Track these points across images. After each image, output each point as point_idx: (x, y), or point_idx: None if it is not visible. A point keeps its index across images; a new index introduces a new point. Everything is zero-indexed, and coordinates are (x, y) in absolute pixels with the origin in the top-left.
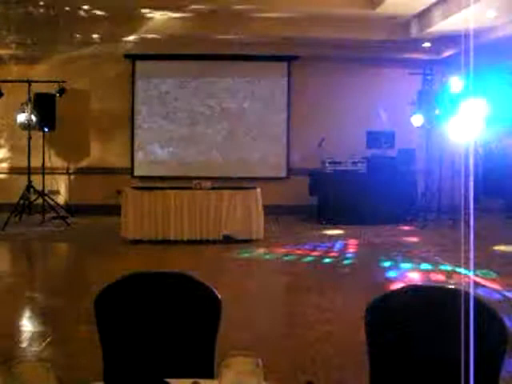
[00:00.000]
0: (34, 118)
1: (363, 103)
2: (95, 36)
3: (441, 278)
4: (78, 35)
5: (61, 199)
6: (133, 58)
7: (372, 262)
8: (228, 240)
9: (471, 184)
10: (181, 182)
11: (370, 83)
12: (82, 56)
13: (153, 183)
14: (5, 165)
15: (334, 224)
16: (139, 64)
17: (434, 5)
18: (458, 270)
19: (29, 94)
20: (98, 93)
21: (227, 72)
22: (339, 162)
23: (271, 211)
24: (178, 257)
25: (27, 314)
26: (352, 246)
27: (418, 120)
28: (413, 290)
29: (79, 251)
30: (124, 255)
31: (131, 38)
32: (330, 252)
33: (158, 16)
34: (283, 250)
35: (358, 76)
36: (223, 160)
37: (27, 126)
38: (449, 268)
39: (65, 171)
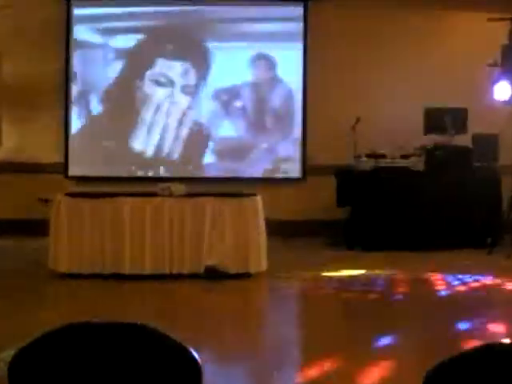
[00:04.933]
0: None
1: (417, 65)
2: None
3: None
4: None
5: None
6: None
7: (432, 310)
8: (213, 275)
9: None
10: (141, 185)
11: (427, 34)
12: None
13: (98, 187)
14: None
15: (374, 249)
16: (77, 5)
17: None
18: None
19: None
20: (12, 52)
21: (212, 17)
22: (382, 156)
23: (279, 230)
24: (137, 300)
25: None
26: (401, 285)
27: (502, 91)
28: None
29: None
30: (52, 297)
31: None
32: (367, 293)
33: None
34: (297, 290)
35: (407, 23)
36: (204, 151)
37: None
38: None
39: None
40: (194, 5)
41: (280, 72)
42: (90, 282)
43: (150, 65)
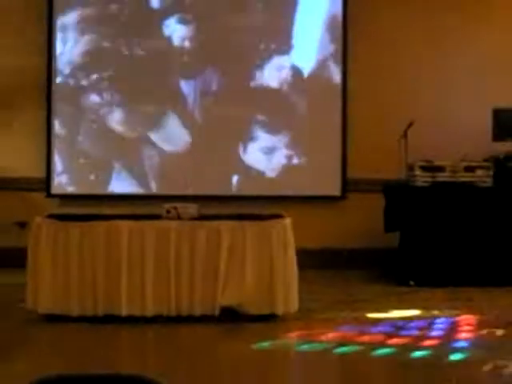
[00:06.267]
0: None
1: (481, 59)
2: None
3: None
4: None
5: None
6: None
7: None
8: (230, 317)
9: None
10: (141, 206)
11: (492, 22)
12: None
13: (87, 208)
14: None
15: (431, 284)
16: None
17: None
18: None
19: None
20: None
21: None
22: (441, 168)
23: (312, 261)
24: (136, 348)
25: None
26: (467, 328)
27: None
28: None
29: None
30: (31, 345)
31: None
32: (424, 339)
33: None
34: (336, 335)
35: (466, 9)
36: (220, 164)
37: None
38: None
39: None
40: None
41: (312, 71)
42: (78, 325)
43: None
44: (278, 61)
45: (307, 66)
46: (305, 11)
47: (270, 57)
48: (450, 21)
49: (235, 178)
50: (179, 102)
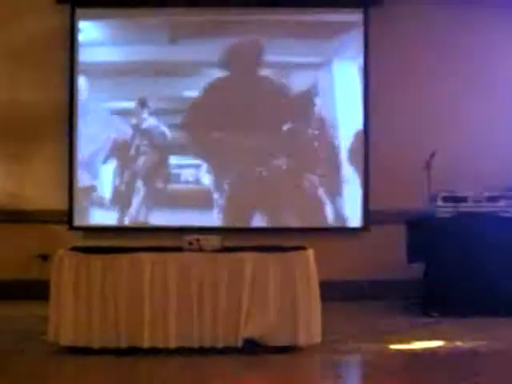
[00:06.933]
0: None
1: (508, 82)
2: None
3: None
4: None
5: None
6: (73, 2)
7: None
8: (253, 349)
9: None
10: (164, 238)
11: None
12: None
13: (109, 240)
14: None
15: (455, 315)
16: (83, 13)
17: None
18: None
19: None
20: (4, 71)
21: (253, 27)
22: (464, 198)
23: (335, 292)
24: (158, 380)
25: None
26: (491, 361)
27: None
28: None
29: None
30: (54, 377)
31: None
32: (447, 371)
33: None
34: (359, 368)
35: (493, 30)
36: (242, 193)
37: None
38: None
39: None
40: (238, 13)
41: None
42: (101, 358)
43: None
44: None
45: None
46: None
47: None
48: (475, 46)
49: (258, 210)
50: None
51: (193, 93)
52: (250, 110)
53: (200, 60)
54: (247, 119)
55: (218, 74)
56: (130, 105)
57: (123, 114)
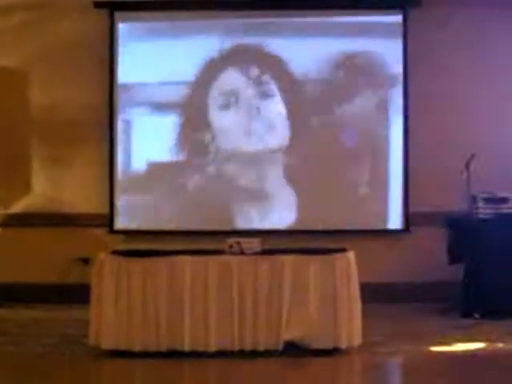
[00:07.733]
0: None
1: None
2: None
3: None
4: None
5: None
6: (111, 6)
7: None
8: (294, 351)
9: None
10: (204, 241)
11: None
12: (12, 6)
13: (150, 244)
14: None
15: (496, 317)
16: (122, 16)
17: None
18: None
19: None
20: (44, 75)
21: (291, 30)
22: (504, 199)
23: (376, 295)
24: (199, 383)
25: None
26: None
27: None
28: None
29: (6, 376)
30: (95, 380)
31: None
32: (488, 372)
33: None
34: (399, 370)
35: None
36: (287, 196)
37: None
38: None
39: None
40: (275, 16)
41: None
42: (141, 361)
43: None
44: None
45: None
46: None
47: None
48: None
49: (298, 213)
50: None
51: None
52: None
53: None
54: None
55: None
56: None
57: None
